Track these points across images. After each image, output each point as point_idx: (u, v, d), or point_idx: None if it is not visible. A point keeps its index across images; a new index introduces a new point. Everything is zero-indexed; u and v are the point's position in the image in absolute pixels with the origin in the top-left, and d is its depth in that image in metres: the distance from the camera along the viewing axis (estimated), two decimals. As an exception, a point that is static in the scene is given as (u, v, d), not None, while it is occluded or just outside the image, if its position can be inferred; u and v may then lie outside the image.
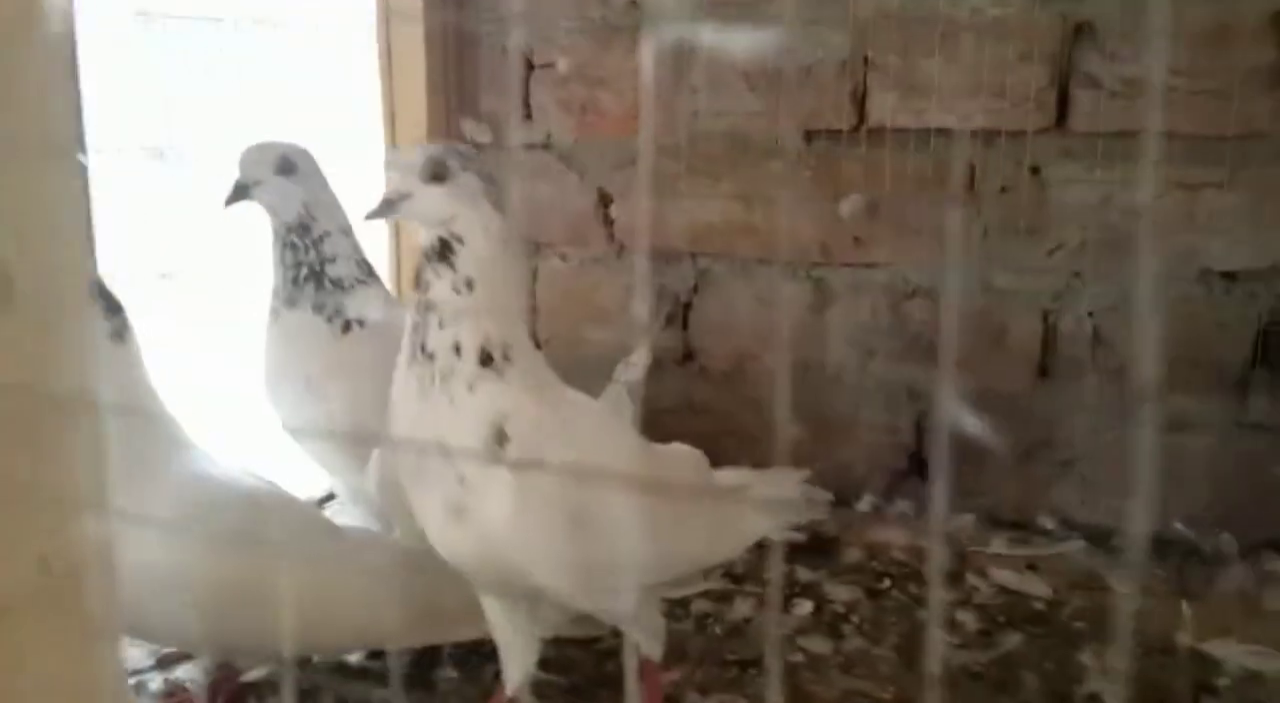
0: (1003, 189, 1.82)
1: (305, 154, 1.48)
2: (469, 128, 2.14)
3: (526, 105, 2.12)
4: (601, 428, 1.18)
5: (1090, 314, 1.80)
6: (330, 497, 1.83)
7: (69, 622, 0.66)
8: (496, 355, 1.04)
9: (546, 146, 2.10)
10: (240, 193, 1.46)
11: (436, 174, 1.04)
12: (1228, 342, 1.74)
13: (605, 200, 2.09)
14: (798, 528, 1.47)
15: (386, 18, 2.09)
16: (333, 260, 1.47)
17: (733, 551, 1.28)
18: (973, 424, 0.44)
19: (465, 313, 1.03)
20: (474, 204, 1.04)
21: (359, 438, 1.46)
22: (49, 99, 0.59)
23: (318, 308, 1.47)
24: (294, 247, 1.47)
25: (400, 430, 1.08)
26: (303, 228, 1.46)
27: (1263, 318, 1.73)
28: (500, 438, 1.02)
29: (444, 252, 1.04)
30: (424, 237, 1.05)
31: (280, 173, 1.45)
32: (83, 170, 0.61)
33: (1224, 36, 1.65)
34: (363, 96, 2.22)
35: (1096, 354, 1.80)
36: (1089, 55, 1.74)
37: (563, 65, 2.07)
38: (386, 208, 1.07)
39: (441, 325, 1.03)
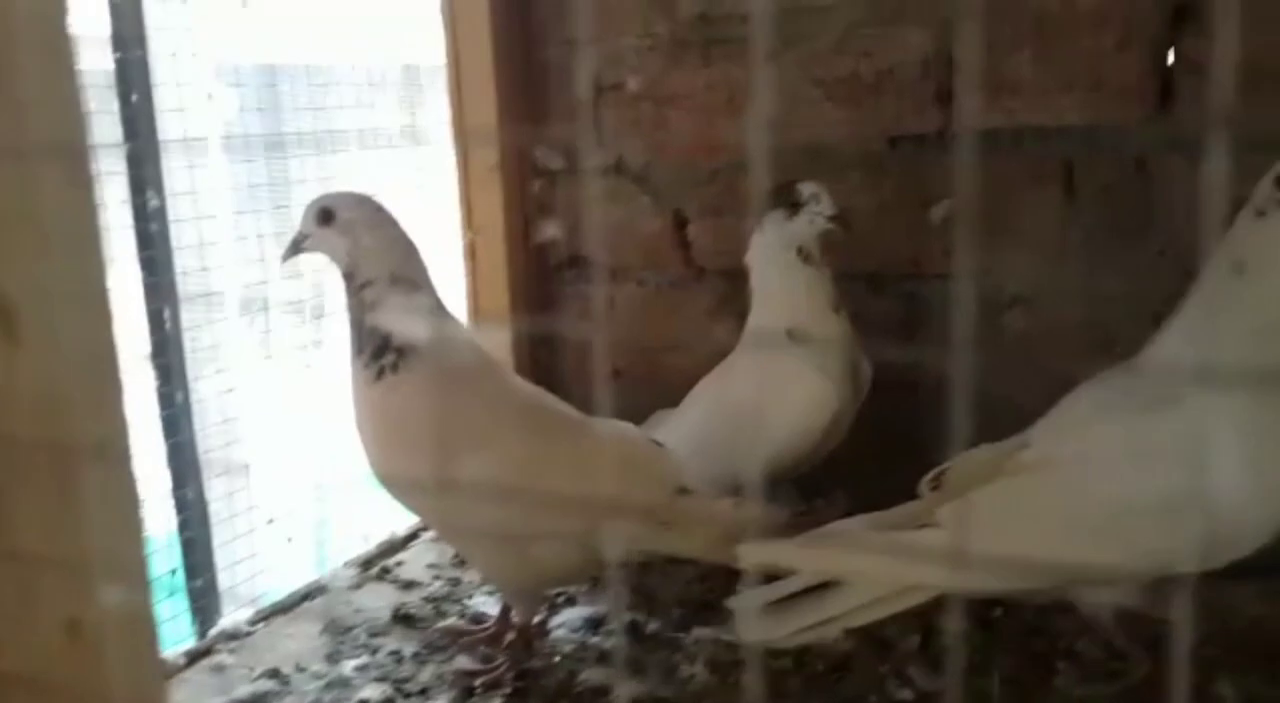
0: (1104, 187, 1.70)
1: (350, 201, 1.43)
2: (541, 155, 2.10)
3: (597, 128, 2.07)
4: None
5: (1207, 317, 1.67)
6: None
7: (100, 690, 0.61)
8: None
9: (619, 170, 2.04)
10: (294, 247, 1.46)
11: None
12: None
13: (681, 222, 2.02)
14: None
15: (456, 54, 2.06)
16: (372, 308, 1.40)
17: None
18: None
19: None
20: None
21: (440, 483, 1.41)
22: (46, 100, 0.53)
23: (358, 353, 1.42)
24: (347, 295, 1.43)
25: None
26: (349, 276, 1.42)
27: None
28: None
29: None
30: None
31: (322, 224, 1.42)
32: (90, 182, 0.55)
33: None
34: (435, 131, 2.19)
35: (1216, 360, 1.66)
36: (1193, 39, 1.62)
37: (632, 84, 2.01)
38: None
39: None
